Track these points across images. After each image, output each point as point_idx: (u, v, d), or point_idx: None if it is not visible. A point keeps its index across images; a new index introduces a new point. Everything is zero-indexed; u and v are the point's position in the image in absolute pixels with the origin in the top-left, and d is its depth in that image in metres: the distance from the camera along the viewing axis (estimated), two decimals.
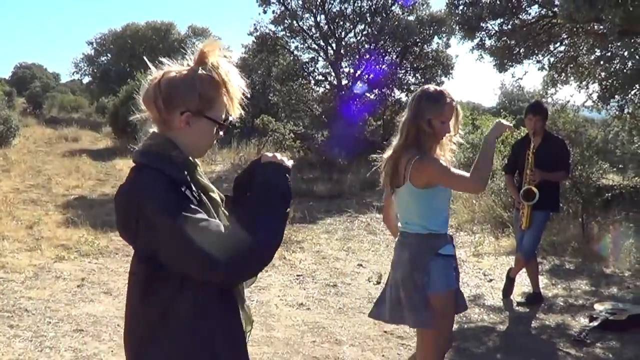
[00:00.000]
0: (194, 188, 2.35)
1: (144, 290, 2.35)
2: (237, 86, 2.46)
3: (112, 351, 6.12)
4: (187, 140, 2.43)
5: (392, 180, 4.26)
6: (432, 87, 4.32)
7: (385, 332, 6.92)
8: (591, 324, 7.03)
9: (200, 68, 2.41)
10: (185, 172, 2.37)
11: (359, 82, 26.73)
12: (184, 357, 2.36)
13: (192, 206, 2.24)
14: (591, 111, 15.26)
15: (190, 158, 2.46)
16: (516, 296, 8.29)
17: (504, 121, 4.26)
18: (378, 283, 8.89)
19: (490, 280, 9.24)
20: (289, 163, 2.47)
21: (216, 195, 2.53)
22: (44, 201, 14.78)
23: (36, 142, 26.89)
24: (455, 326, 7.14)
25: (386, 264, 9.90)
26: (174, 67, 2.46)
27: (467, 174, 4.06)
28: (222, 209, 2.54)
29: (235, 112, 2.50)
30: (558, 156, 7.71)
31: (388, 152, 4.32)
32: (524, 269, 8.18)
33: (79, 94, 59.91)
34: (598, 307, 7.45)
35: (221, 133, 2.53)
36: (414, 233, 4.24)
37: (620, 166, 15.23)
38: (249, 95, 2.53)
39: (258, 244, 2.19)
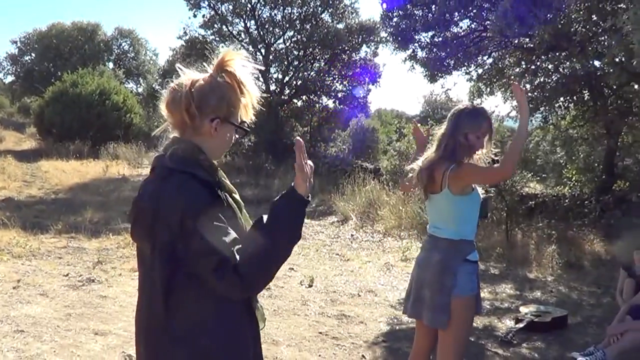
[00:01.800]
0: (223, 190, 2.50)
1: (166, 292, 2.40)
2: (253, 94, 2.60)
3: (54, 351, 6.15)
4: (213, 145, 2.55)
5: (427, 187, 4.44)
6: (470, 104, 4.55)
7: (320, 333, 7.09)
8: (517, 325, 7.30)
9: (220, 75, 2.53)
10: (214, 175, 2.50)
11: (286, 88, 26.89)
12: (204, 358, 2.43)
13: (221, 215, 2.37)
14: (515, 121, 15.68)
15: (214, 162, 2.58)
16: None
17: (520, 92, 4.42)
18: (310, 286, 9.08)
19: None
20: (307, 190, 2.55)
21: (238, 196, 2.66)
22: None
23: None
24: (387, 327, 7.40)
25: (317, 267, 10.14)
26: (195, 74, 2.55)
27: (495, 167, 4.37)
28: (245, 210, 2.67)
29: (249, 117, 2.65)
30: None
31: (419, 162, 4.52)
32: None
33: (0, 94, 58.64)
34: (523, 309, 7.76)
35: (237, 136, 2.67)
36: (444, 238, 4.40)
37: (543, 175, 15.70)
38: (262, 102, 2.69)
39: (244, 277, 2.29)
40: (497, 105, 36.80)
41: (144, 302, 2.54)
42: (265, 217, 2.42)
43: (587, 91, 13.93)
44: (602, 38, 9.75)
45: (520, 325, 7.29)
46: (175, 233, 2.31)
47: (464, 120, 4.35)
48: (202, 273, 2.33)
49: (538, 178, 15.00)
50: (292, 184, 2.53)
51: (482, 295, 8.67)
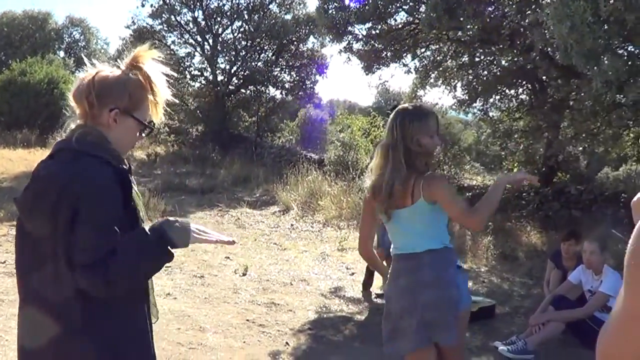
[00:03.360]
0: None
1: (56, 282, 2.34)
2: (163, 94, 2.62)
3: None
4: (113, 137, 2.53)
5: (389, 205, 4.02)
6: (408, 105, 4.23)
7: (247, 320, 7.18)
8: None
9: (131, 71, 2.56)
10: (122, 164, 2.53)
11: (234, 78, 26.86)
12: (93, 356, 2.41)
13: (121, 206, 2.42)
14: (458, 113, 15.89)
15: None
16: (375, 289, 8.62)
17: (525, 174, 4.22)
18: (244, 275, 9.16)
19: (352, 273, 9.59)
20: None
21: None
22: None
23: None
24: (315, 315, 7.51)
25: (253, 256, 10.22)
26: (106, 68, 2.59)
27: (468, 207, 3.97)
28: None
29: (159, 117, 2.67)
30: None
31: (369, 181, 4.14)
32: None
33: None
34: None
35: (144, 134, 2.70)
36: (425, 251, 3.97)
37: (491, 167, 15.92)
38: (172, 102, 2.76)
39: (110, 285, 2.29)
40: (440, 97, 36.86)
41: (35, 289, 2.45)
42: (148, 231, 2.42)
43: (523, 84, 14.17)
44: (529, 32, 9.92)
45: None
46: (67, 214, 2.28)
47: (410, 124, 3.96)
48: (70, 258, 2.29)
49: (477, 170, 15.20)
50: (179, 228, 2.48)
51: None
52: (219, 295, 8.09)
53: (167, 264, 7.60)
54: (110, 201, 2.36)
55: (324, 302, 8.08)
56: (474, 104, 14.45)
